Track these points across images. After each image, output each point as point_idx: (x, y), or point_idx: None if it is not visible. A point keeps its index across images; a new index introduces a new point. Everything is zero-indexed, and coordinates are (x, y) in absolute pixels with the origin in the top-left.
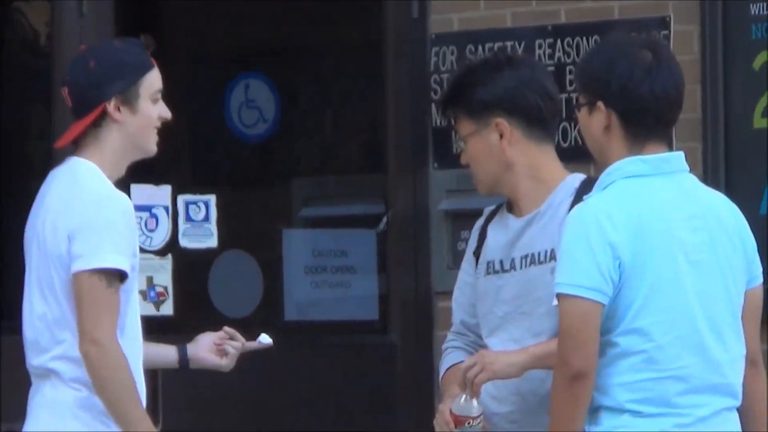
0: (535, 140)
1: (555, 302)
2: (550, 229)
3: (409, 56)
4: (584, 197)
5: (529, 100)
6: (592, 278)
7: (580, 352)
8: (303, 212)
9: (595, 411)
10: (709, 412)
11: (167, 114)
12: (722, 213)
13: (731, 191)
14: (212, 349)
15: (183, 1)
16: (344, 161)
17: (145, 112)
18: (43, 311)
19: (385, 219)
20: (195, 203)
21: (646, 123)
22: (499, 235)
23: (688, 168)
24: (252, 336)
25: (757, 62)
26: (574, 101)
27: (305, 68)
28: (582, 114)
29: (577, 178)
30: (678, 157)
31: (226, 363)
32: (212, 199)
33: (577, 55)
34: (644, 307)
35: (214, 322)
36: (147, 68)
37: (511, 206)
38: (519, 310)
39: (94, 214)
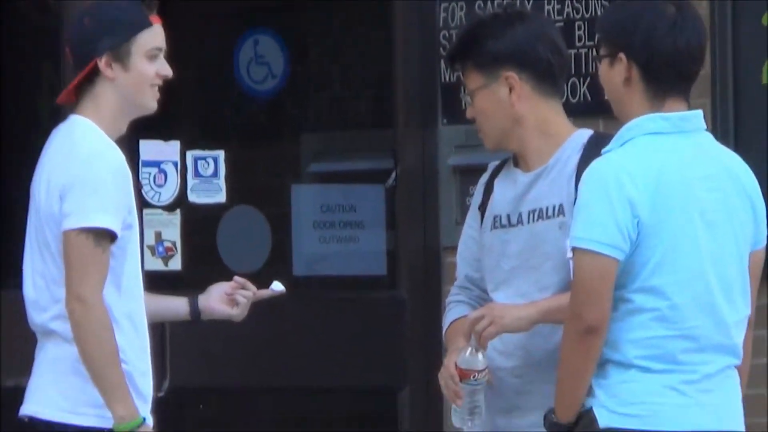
0: (544, 95)
1: (569, 255)
2: (558, 184)
3: (418, 11)
4: (602, 151)
5: (540, 54)
6: (610, 234)
7: (593, 307)
8: (311, 167)
9: (603, 364)
10: (714, 369)
11: (167, 72)
12: (737, 174)
13: (740, 147)
14: (223, 299)
15: None
16: (353, 116)
17: (139, 69)
18: (42, 270)
19: (393, 174)
20: (204, 158)
21: (668, 77)
22: (506, 190)
23: (705, 127)
24: (263, 288)
25: (766, 18)
26: (595, 52)
27: (314, 23)
28: (603, 65)
29: (585, 134)
30: (697, 115)
31: (237, 312)
32: (221, 154)
33: (586, 10)
34: (660, 266)
35: (223, 277)
36: (142, 26)
37: (517, 161)
38: (526, 265)
39: (84, 171)
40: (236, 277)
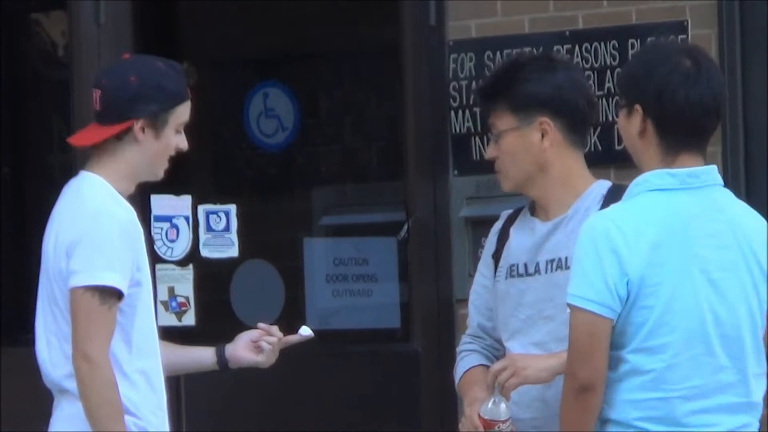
0: (573, 145)
1: (567, 311)
2: (577, 235)
3: (428, 63)
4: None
5: (578, 104)
6: (599, 291)
7: (586, 365)
8: (323, 220)
9: (604, 422)
10: (725, 430)
11: (184, 146)
12: (751, 231)
13: (752, 196)
14: (250, 347)
15: (200, 9)
16: (364, 169)
17: (167, 141)
18: (54, 328)
19: (405, 226)
20: (215, 213)
21: (680, 131)
22: (523, 238)
23: (721, 182)
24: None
25: None
26: (615, 103)
27: (323, 75)
28: (621, 116)
29: (604, 185)
30: (709, 171)
31: (263, 359)
32: (233, 208)
33: (595, 60)
34: (658, 327)
35: (236, 332)
36: (182, 99)
37: (534, 209)
38: (541, 314)
39: (90, 228)
40: (260, 324)
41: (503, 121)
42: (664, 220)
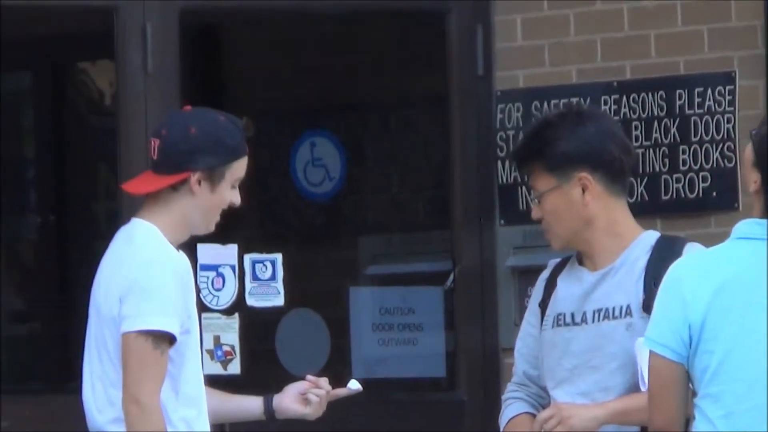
0: (615, 194)
1: (614, 362)
2: (626, 285)
3: (475, 112)
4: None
5: (613, 153)
6: (663, 334)
7: (656, 409)
8: (370, 270)
9: None
10: None
11: (237, 201)
12: None
13: None
14: (297, 398)
15: (247, 59)
16: (411, 218)
17: (222, 195)
18: (100, 373)
19: (452, 276)
20: (261, 262)
21: None
22: (571, 288)
23: None
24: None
25: None
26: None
27: (370, 125)
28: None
29: (653, 236)
30: None
31: (310, 411)
32: (279, 257)
33: (643, 111)
34: (717, 373)
35: (282, 381)
36: (240, 154)
37: (581, 259)
38: (588, 364)
39: (144, 275)
40: (309, 376)
41: (542, 182)
42: (737, 266)
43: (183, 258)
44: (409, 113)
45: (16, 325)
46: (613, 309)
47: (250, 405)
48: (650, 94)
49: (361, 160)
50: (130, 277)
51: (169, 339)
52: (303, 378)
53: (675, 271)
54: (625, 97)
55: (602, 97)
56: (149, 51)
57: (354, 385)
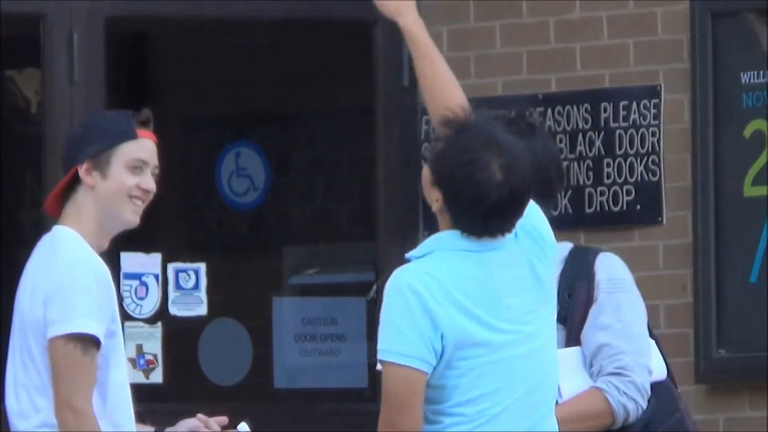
0: (542, 209)
1: None
2: None
3: (400, 124)
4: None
5: (549, 171)
6: (416, 347)
7: (408, 419)
8: (293, 280)
9: None
10: None
11: (148, 185)
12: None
13: (721, 259)
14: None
15: (173, 68)
16: (335, 228)
17: (117, 178)
18: (24, 380)
19: (375, 286)
20: (185, 271)
21: None
22: None
23: None
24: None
25: (748, 130)
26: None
27: (295, 135)
28: None
29: (566, 247)
30: None
31: None
32: (202, 267)
33: (568, 123)
34: (475, 380)
35: (204, 390)
36: (126, 137)
37: None
38: None
39: (68, 278)
40: (199, 415)
41: None
42: (474, 278)
43: (102, 262)
44: (334, 124)
45: None
46: None
47: None
48: (575, 107)
49: (286, 170)
50: (54, 280)
51: (96, 343)
52: (224, 387)
53: (408, 283)
54: (550, 110)
55: (527, 110)
56: (75, 59)
57: (243, 427)
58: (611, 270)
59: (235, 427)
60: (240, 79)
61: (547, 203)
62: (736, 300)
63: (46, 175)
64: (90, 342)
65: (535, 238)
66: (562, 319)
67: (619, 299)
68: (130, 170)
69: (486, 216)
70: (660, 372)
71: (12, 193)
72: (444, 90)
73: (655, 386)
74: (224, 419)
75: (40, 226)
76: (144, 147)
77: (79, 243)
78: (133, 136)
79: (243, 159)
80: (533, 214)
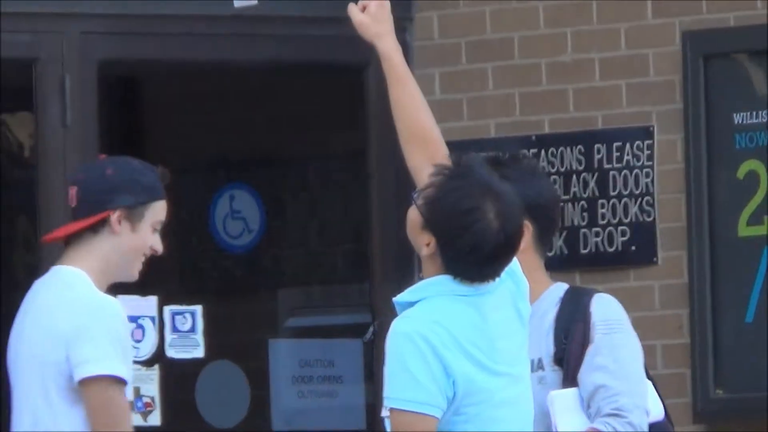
0: (539, 251)
1: None
2: (535, 338)
3: (394, 167)
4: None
5: (554, 212)
6: (431, 394)
7: None
8: (289, 322)
9: None
10: None
11: (159, 248)
12: None
13: (717, 299)
14: None
15: (166, 112)
16: (330, 271)
17: (143, 236)
18: (32, 424)
19: (371, 328)
20: (181, 314)
21: None
22: None
23: None
24: None
25: (741, 171)
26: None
27: (289, 178)
28: None
29: (561, 288)
30: None
31: None
32: (198, 309)
33: (561, 165)
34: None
35: None
36: (158, 196)
37: None
38: None
39: (93, 319)
40: None
41: None
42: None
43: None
44: (328, 167)
45: None
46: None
47: None
48: (569, 148)
49: (280, 213)
50: (77, 321)
51: (125, 386)
52: (222, 431)
53: (418, 331)
54: (543, 151)
55: (521, 151)
56: (68, 104)
57: None
58: (607, 311)
59: None
60: (233, 123)
61: (547, 245)
62: (733, 340)
63: (39, 219)
64: (122, 385)
65: (515, 280)
66: (558, 360)
67: (615, 340)
68: (152, 230)
69: (482, 262)
70: (657, 413)
71: (5, 237)
72: (415, 113)
73: (652, 427)
74: None
75: (33, 270)
76: (165, 208)
77: (92, 284)
78: (163, 196)
79: (237, 202)
80: None
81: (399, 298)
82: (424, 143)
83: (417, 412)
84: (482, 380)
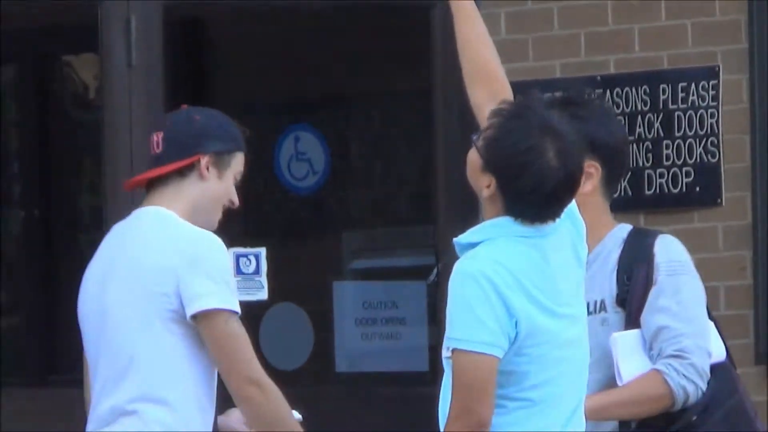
0: (606, 194)
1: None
2: (599, 279)
3: (459, 106)
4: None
5: (625, 154)
6: (494, 334)
7: (486, 404)
8: (353, 264)
9: None
10: None
11: (236, 199)
12: None
13: None
14: (241, 420)
15: (231, 53)
16: (394, 212)
17: (227, 183)
18: (130, 353)
19: (435, 270)
20: (245, 256)
21: None
22: None
23: None
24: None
25: None
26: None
27: (354, 119)
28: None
29: (625, 229)
30: None
31: None
32: (262, 251)
33: (626, 105)
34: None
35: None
36: (242, 147)
37: None
38: None
39: (208, 252)
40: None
41: None
42: (543, 264)
43: None
44: (393, 107)
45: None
46: (588, 304)
47: None
48: (634, 89)
49: (345, 154)
50: (190, 255)
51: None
52: (286, 372)
53: (482, 271)
54: (608, 92)
55: (586, 92)
56: (133, 45)
57: (295, 416)
58: (670, 252)
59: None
60: (298, 64)
61: (614, 188)
62: None
63: (104, 160)
64: (237, 316)
65: (573, 221)
66: (620, 302)
67: (678, 281)
68: (234, 180)
69: (543, 202)
70: (719, 354)
71: (71, 179)
72: (482, 50)
73: (714, 368)
74: None
75: (98, 212)
76: (244, 162)
77: (189, 223)
78: (244, 148)
79: (302, 143)
80: None
81: (460, 239)
82: (488, 81)
83: (479, 352)
84: (544, 321)
